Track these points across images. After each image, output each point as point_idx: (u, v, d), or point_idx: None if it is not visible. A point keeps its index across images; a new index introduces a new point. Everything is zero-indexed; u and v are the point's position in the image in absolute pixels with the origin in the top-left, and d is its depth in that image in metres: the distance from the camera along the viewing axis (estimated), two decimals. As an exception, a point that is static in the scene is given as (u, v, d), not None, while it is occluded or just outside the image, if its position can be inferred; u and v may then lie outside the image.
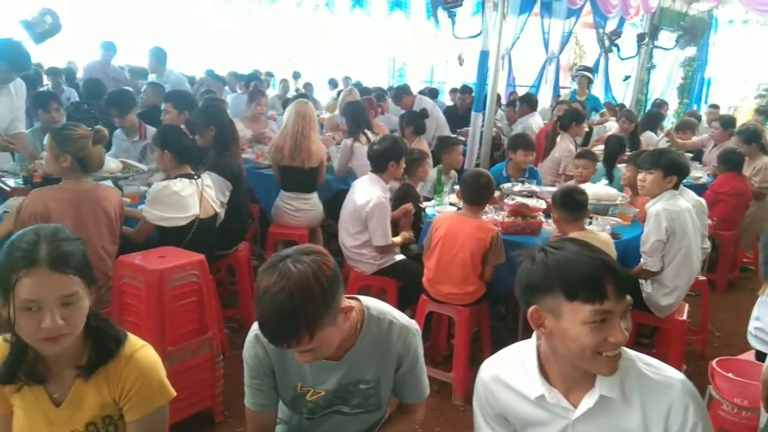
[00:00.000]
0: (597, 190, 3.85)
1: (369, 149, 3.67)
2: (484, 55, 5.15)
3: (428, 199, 4.17)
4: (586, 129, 6.23)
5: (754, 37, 11.43)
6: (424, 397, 1.74)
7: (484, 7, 5.09)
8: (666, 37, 9.63)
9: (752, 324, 2.41)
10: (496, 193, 3.95)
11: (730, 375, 2.43)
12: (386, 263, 3.53)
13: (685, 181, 3.40)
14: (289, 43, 14.39)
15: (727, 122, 6.17)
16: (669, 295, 3.12)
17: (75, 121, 3.53)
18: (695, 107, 10.85)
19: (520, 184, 4.00)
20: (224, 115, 3.95)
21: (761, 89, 11.17)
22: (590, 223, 3.38)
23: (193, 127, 3.79)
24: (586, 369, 1.31)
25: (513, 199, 3.45)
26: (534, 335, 1.42)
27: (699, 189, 4.78)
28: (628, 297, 1.28)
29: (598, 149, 5.10)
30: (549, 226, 3.37)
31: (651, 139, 6.50)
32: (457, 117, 7.16)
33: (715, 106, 8.85)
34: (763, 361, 2.13)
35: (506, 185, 3.99)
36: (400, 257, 3.61)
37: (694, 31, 9.87)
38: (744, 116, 10.08)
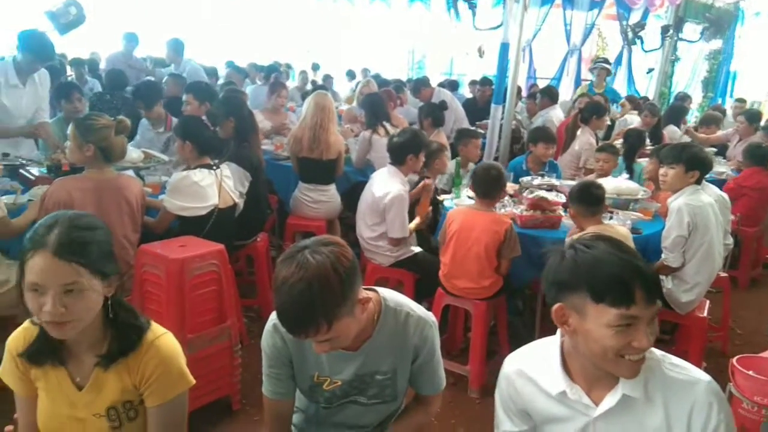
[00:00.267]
0: (618, 184, 3.80)
1: (389, 141, 3.67)
2: (504, 47, 5.11)
3: (446, 192, 4.16)
4: (608, 122, 6.15)
5: (781, 30, 11.19)
6: (441, 389, 1.74)
7: (505, -1, 5.05)
8: (691, 30, 9.47)
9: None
10: (516, 186, 3.94)
11: (750, 373, 2.40)
12: (403, 255, 3.54)
13: (708, 176, 3.35)
14: (308, 35, 14.40)
15: (753, 116, 6.06)
16: (690, 291, 3.08)
17: (97, 111, 3.59)
18: (720, 101, 10.65)
19: (539, 177, 3.97)
20: (243, 106, 3.98)
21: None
22: (611, 218, 3.34)
23: (214, 118, 3.82)
24: (608, 370, 1.29)
25: (532, 193, 3.43)
26: (558, 331, 1.41)
27: (723, 185, 4.71)
28: (658, 302, 1.24)
29: (620, 143, 5.03)
30: (568, 220, 3.35)
31: (674, 133, 6.40)
32: (477, 109, 7.12)
33: (741, 100, 8.68)
34: (785, 359, 2.10)
35: (526, 178, 3.96)
36: (417, 249, 3.62)
37: (720, 24, 9.70)
38: (769, 110, 9.89)
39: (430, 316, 1.66)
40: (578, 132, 5.35)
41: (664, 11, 8.69)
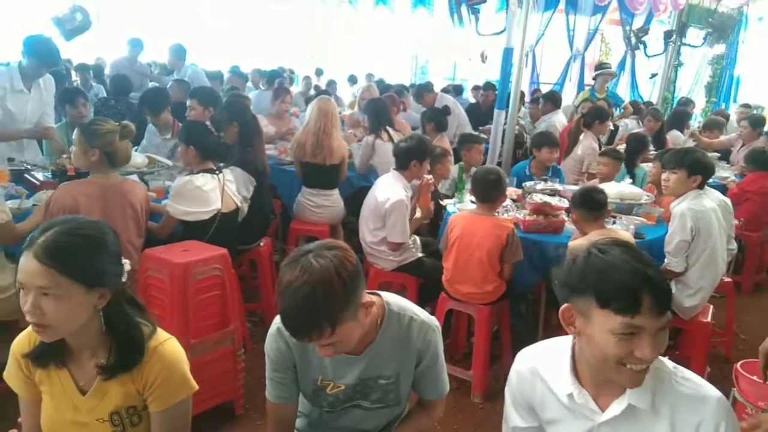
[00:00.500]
0: (621, 189, 3.80)
1: (395, 146, 3.68)
2: (507, 52, 5.12)
3: (448, 197, 4.16)
4: (611, 127, 6.16)
5: (785, 35, 11.18)
6: (444, 393, 1.74)
7: (508, 4, 5.06)
8: (694, 35, 9.47)
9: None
10: (519, 191, 3.94)
11: (754, 378, 2.39)
12: (406, 260, 3.54)
13: (712, 181, 3.34)
14: (312, 40, 14.45)
15: (757, 121, 6.05)
16: (693, 296, 3.08)
17: (102, 117, 3.60)
18: (723, 106, 10.64)
19: (542, 182, 3.97)
20: (247, 111, 3.98)
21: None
22: (614, 223, 3.34)
23: (217, 123, 3.83)
24: (609, 377, 1.27)
25: (534, 198, 3.43)
26: None
27: (726, 190, 4.70)
28: (669, 314, 1.21)
29: (623, 148, 5.03)
30: (571, 225, 3.35)
31: (677, 138, 6.40)
32: (480, 114, 7.13)
33: (746, 106, 8.67)
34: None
35: (529, 183, 3.96)
36: (420, 254, 3.62)
37: (724, 29, 9.70)
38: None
39: (434, 321, 1.66)
40: (581, 137, 5.36)
41: (667, 16, 8.71)
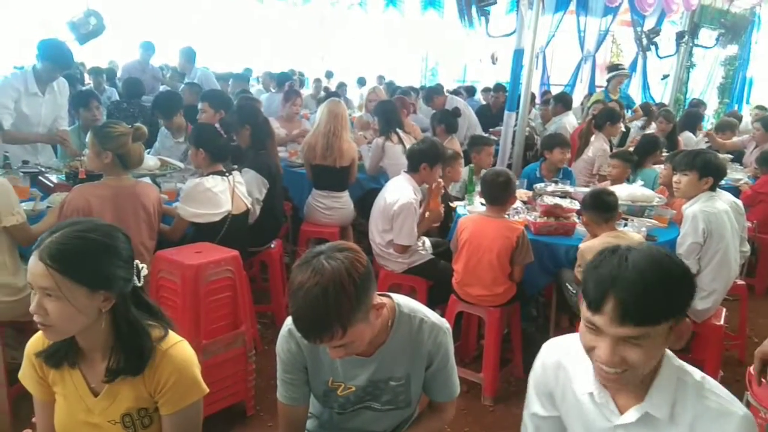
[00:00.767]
0: (633, 191, 3.78)
1: (409, 148, 3.67)
2: (518, 54, 5.11)
3: (458, 199, 4.16)
4: (622, 129, 6.12)
5: (798, 35, 11.07)
6: (455, 396, 1.74)
7: (518, 5, 5.05)
8: (706, 36, 9.40)
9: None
10: (529, 193, 3.93)
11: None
12: (416, 262, 3.53)
13: (725, 183, 3.32)
14: (322, 43, 14.50)
15: (770, 123, 5.98)
16: (706, 299, 3.05)
17: (115, 119, 3.63)
18: (736, 107, 10.55)
19: (553, 184, 3.96)
20: (258, 113, 4.00)
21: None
22: (625, 225, 3.33)
23: (228, 126, 3.85)
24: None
25: (545, 200, 3.42)
26: None
27: (739, 191, 4.66)
28: (644, 330, 1.15)
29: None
30: (582, 227, 3.34)
31: (689, 140, 6.35)
32: (491, 116, 7.12)
33: (761, 107, 8.59)
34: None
35: (540, 185, 3.95)
36: (430, 256, 3.61)
37: (736, 29, 9.62)
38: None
39: (444, 323, 1.66)
40: (592, 138, 5.33)
41: (679, 17, 8.64)
